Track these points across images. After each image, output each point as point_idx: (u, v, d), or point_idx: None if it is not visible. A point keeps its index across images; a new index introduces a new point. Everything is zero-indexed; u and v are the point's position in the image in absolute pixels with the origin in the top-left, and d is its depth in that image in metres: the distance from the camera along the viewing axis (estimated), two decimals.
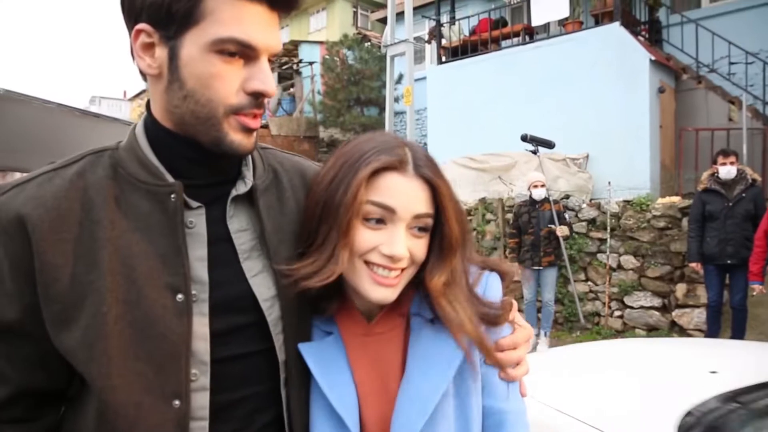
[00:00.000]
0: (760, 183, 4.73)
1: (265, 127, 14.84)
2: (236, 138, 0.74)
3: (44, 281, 0.69)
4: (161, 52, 0.72)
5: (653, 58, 7.30)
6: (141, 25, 0.71)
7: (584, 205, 6.41)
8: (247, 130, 0.74)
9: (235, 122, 0.73)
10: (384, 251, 0.77)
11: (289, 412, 0.81)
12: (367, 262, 0.78)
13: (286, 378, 0.81)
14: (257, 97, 0.73)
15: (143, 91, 31.31)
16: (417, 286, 0.84)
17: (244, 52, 0.71)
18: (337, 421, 0.79)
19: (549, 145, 5.89)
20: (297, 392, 0.81)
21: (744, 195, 4.55)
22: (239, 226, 0.81)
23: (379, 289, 0.78)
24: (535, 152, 5.80)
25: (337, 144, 15.02)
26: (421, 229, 0.79)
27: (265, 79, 0.72)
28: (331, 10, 21.08)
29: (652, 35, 8.74)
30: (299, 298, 0.81)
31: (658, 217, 5.83)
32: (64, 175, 0.75)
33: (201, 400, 0.74)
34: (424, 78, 10.17)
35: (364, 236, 0.77)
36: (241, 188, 0.81)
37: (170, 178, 0.75)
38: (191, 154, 0.77)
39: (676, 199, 6.02)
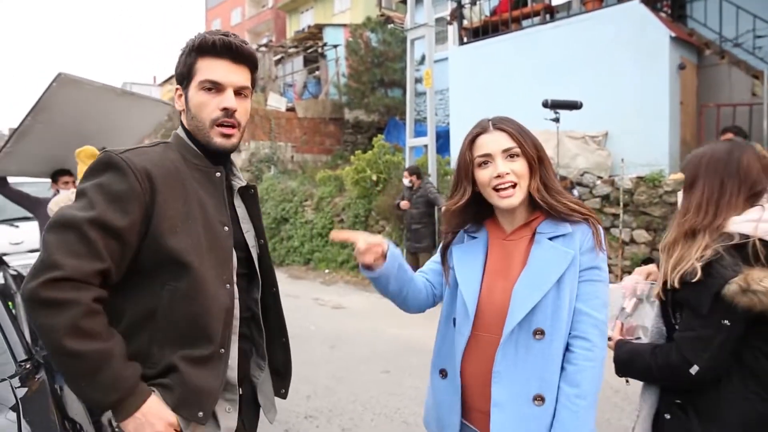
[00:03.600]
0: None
1: (292, 110, 15.20)
2: (218, 140, 1.28)
3: (162, 209, 1.17)
4: (182, 98, 1.30)
5: (673, 34, 7.31)
6: (177, 86, 1.31)
7: (598, 182, 6.59)
8: (225, 136, 1.28)
9: (216, 131, 1.27)
10: (493, 174, 1.29)
11: (261, 311, 1.43)
12: (494, 189, 1.30)
13: (262, 290, 1.43)
14: (227, 111, 1.26)
15: (172, 76, 32.02)
16: (543, 214, 1.32)
17: (215, 86, 1.25)
18: (461, 295, 1.34)
19: (575, 106, 5.63)
20: (263, 302, 1.44)
21: None
22: (239, 204, 1.39)
23: (503, 199, 1.30)
24: (556, 120, 5.66)
25: (361, 125, 15.30)
26: (511, 155, 1.30)
27: (227, 100, 1.26)
28: None
29: (675, 11, 8.67)
30: (265, 249, 1.43)
31: (669, 193, 5.99)
32: (155, 151, 1.25)
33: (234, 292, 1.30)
34: (447, 58, 10.33)
35: (481, 174, 1.32)
36: (240, 183, 1.40)
37: (211, 164, 1.31)
38: (203, 150, 1.31)
39: None
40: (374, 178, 9.05)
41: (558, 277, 1.23)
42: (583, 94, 7.82)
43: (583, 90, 7.80)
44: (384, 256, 1.36)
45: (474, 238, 1.39)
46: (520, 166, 1.29)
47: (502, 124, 1.32)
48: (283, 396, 1.51)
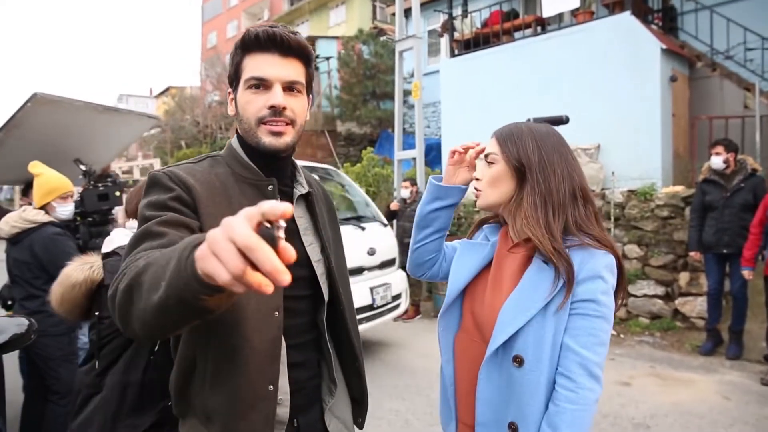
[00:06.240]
0: (761, 173, 4.73)
1: None
2: (266, 140, 1.14)
3: (205, 226, 1.04)
4: (233, 102, 1.19)
5: (665, 46, 7.23)
6: (229, 90, 1.20)
7: None
8: (273, 134, 1.14)
9: (264, 129, 1.14)
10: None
11: (327, 333, 1.26)
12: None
13: (327, 309, 1.25)
14: (274, 109, 1.12)
15: (168, 88, 31.89)
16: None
17: (261, 83, 1.13)
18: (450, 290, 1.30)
19: (561, 121, 5.65)
20: (330, 322, 1.27)
21: (743, 185, 4.55)
22: (299, 214, 1.25)
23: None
24: None
25: (354, 137, 15.19)
26: (489, 162, 1.30)
27: (275, 97, 1.12)
28: (350, 3, 21.20)
29: (666, 23, 8.64)
30: (336, 261, 1.27)
31: (661, 207, 5.86)
32: (200, 166, 1.17)
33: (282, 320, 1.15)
34: (439, 71, 10.26)
35: None
36: (302, 191, 1.25)
37: (264, 176, 1.18)
38: (257, 157, 1.19)
39: (679, 188, 6.03)
40: (363, 191, 8.91)
41: (544, 304, 1.12)
42: (575, 105, 7.74)
43: (575, 101, 7.72)
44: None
45: (488, 240, 1.35)
46: (493, 171, 1.27)
47: (497, 131, 1.33)
48: (360, 425, 1.36)
